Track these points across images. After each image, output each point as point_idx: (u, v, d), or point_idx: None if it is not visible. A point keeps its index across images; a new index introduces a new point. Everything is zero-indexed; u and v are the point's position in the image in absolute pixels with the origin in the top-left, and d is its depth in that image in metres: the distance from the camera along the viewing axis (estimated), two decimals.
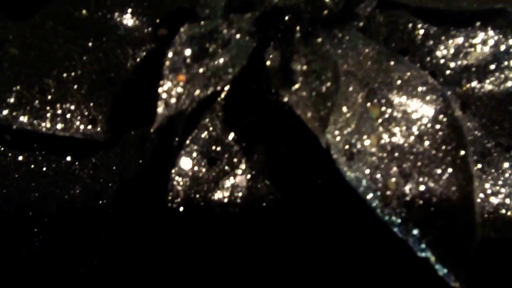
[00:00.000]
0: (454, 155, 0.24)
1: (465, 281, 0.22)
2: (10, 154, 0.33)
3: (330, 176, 0.27)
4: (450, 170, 0.24)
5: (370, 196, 0.23)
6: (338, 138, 0.23)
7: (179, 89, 0.22)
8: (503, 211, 0.30)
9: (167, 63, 0.22)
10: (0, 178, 0.33)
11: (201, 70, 0.23)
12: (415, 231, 0.23)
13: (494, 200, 0.30)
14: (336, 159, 0.23)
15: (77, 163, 0.33)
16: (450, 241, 0.23)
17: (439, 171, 0.24)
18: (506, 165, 0.30)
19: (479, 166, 0.29)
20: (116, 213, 0.33)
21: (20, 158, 0.33)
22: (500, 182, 0.30)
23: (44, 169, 0.33)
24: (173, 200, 0.26)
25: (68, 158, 0.33)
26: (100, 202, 0.34)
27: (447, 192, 0.24)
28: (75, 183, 0.34)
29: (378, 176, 0.24)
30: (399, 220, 0.23)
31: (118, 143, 0.32)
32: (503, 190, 0.30)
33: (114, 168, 0.33)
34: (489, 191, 0.30)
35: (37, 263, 0.35)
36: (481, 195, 0.28)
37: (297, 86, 0.23)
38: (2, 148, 0.33)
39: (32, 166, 0.33)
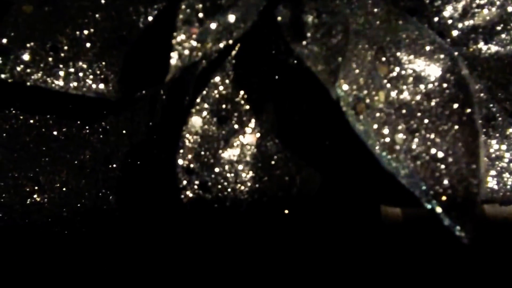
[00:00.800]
0: (460, 112, 0.25)
1: (471, 233, 0.23)
2: (21, 118, 0.33)
3: (339, 134, 0.28)
4: (456, 126, 0.25)
5: (377, 149, 0.23)
6: (347, 92, 0.24)
7: (192, 42, 0.23)
8: (507, 175, 0.30)
9: (180, 15, 0.22)
10: (11, 142, 0.34)
11: (213, 25, 0.24)
12: (422, 184, 0.23)
13: (498, 165, 0.31)
14: (345, 112, 0.23)
15: (87, 127, 0.34)
16: (456, 194, 0.23)
17: (445, 127, 0.25)
18: (510, 130, 0.30)
19: (484, 130, 0.29)
20: (124, 178, 0.34)
21: (31, 121, 0.33)
22: (504, 147, 0.31)
23: (55, 133, 0.34)
24: (184, 157, 0.27)
25: (79, 122, 0.34)
26: (110, 166, 0.34)
27: (454, 148, 0.24)
28: (85, 148, 0.34)
29: (386, 131, 0.24)
30: (406, 172, 0.23)
31: (128, 107, 0.32)
32: (507, 155, 0.31)
33: (124, 132, 0.33)
34: (493, 156, 0.31)
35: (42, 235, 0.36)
36: (485, 159, 0.29)
37: (307, 40, 0.23)
38: (14, 112, 0.33)
39: (43, 129, 0.34)
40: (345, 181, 0.29)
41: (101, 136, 0.34)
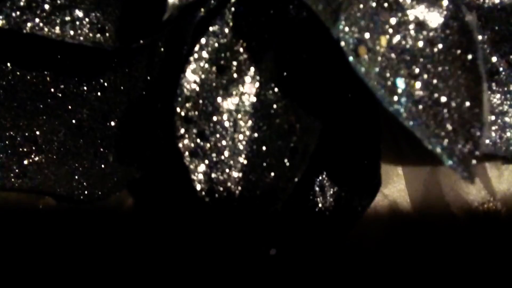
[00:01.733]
0: (463, 58, 0.24)
1: (474, 174, 0.22)
2: (18, 73, 0.33)
3: (338, 83, 0.27)
4: (459, 72, 0.24)
5: (379, 91, 0.23)
6: (348, 34, 0.23)
7: None
8: (510, 130, 0.30)
9: None
10: (7, 99, 0.33)
11: None
12: (424, 127, 0.23)
13: (500, 120, 0.30)
14: (346, 53, 0.23)
15: (84, 84, 0.33)
16: (459, 137, 0.23)
17: (448, 73, 0.24)
18: None
19: (486, 84, 0.29)
20: (123, 135, 0.33)
21: (28, 77, 0.33)
22: (507, 102, 0.30)
23: (52, 90, 0.33)
24: (182, 106, 0.26)
25: (76, 79, 0.33)
26: (108, 124, 0.34)
27: (456, 93, 0.24)
28: (83, 106, 0.34)
29: (388, 75, 0.24)
30: (408, 115, 0.23)
31: (126, 62, 0.32)
32: (511, 110, 0.30)
33: (122, 88, 0.33)
34: (496, 111, 0.30)
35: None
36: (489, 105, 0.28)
37: None
38: (11, 67, 0.33)
39: (40, 86, 0.33)
40: (344, 130, 0.29)
41: (98, 93, 0.33)
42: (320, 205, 0.32)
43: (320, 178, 0.32)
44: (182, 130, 0.26)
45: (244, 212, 0.27)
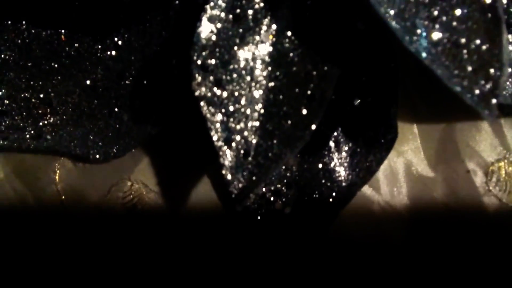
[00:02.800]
0: (482, 1, 0.24)
1: (496, 111, 0.22)
2: (33, 32, 0.33)
3: (355, 28, 0.27)
4: (478, 14, 0.24)
5: (400, 32, 0.23)
6: None
7: None
8: None
9: None
10: (22, 58, 0.33)
11: None
12: (443, 68, 0.23)
13: None
14: None
15: (99, 43, 0.33)
16: (479, 78, 0.23)
17: (467, 15, 0.24)
18: None
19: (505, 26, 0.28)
20: (138, 94, 0.33)
21: (43, 35, 0.33)
22: None
23: (67, 48, 0.33)
24: (198, 55, 0.26)
25: (90, 38, 0.33)
26: (122, 83, 0.34)
27: (475, 34, 0.24)
28: (97, 66, 0.34)
29: (407, 16, 0.23)
30: (427, 56, 0.23)
31: (140, 19, 0.32)
32: None
33: (136, 45, 0.33)
34: None
35: None
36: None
37: None
38: (26, 25, 0.33)
39: (55, 45, 0.33)
40: (360, 80, 0.29)
41: (113, 52, 0.33)
42: (335, 160, 0.32)
43: (335, 134, 0.32)
44: (199, 79, 0.26)
45: (261, 160, 0.27)
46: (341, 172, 0.32)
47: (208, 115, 0.26)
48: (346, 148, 0.32)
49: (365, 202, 0.34)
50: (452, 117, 0.34)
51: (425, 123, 0.34)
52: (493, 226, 0.34)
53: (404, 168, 0.34)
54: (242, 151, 0.27)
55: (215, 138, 0.26)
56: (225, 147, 0.27)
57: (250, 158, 0.27)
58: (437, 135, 0.34)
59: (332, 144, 0.32)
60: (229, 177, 0.26)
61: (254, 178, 0.27)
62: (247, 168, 0.27)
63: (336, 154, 0.32)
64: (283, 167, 0.33)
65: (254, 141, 0.27)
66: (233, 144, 0.27)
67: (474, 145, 0.34)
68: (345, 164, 0.32)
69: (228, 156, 0.26)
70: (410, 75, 0.34)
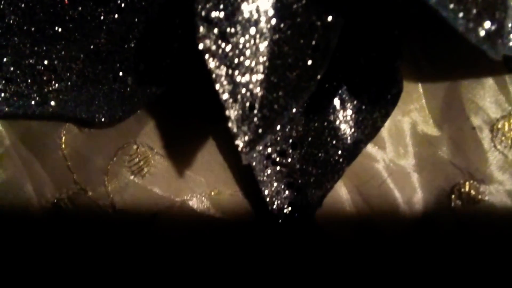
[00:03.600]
0: None
1: (501, 51, 0.22)
2: None
3: None
4: None
5: None
6: None
7: None
8: None
9: None
10: (26, 23, 0.33)
11: None
12: (449, 10, 0.23)
13: None
14: None
15: (102, 6, 0.33)
16: (484, 18, 0.23)
17: None
18: None
19: None
20: (142, 57, 0.33)
21: None
22: None
23: (70, 12, 0.33)
24: (203, 7, 0.26)
25: (93, 1, 0.33)
26: (126, 46, 0.34)
27: None
28: (100, 30, 0.34)
29: None
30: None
31: None
32: None
33: (139, 7, 0.33)
34: None
35: None
36: None
37: None
38: None
39: (58, 8, 0.33)
40: (364, 33, 0.28)
41: (116, 15, 0.33)
42: (340, 118, 0.32)
43: (340, 91, 0.32)
44: (203, 31, 0.26)
45: (266, 113, 0.27)
46: (346, 130, 0.32)
47: (213, 68, 0.26)
48: (351, 105, 0.32)
49: (371, 160, 0.34)
50: (457, 75, 0.34)
51: (430, 82, 0.34)
52: (498, 182, 0.34)
53: (410, 127, 0.35)
54: (247, 104, 0.27)
55: (220, 91, 0.26)
56: (230, 100, 0.27)
57: (255, 111, 0.27)
58: (442, 93, 0.34)
59: (337, 102, 0.32)
60: (235, 130, 0.26)
61: (260, 130, 0.27)
62: (252, 121, 0.27)
63: (341, 112, 0.32)
64: (288, 127, 0.33)
65: (259, 94, 0.27)
66: (239, 97, 0.27)
67: (479, 102, 0.34)
68: (350, 122, 0.32)
69: (233, 109, 0.27)
70: (415, 36, 0.34)
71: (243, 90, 0.27)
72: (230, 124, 0.26)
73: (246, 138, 0.27)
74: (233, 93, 0.27)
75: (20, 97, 0.35)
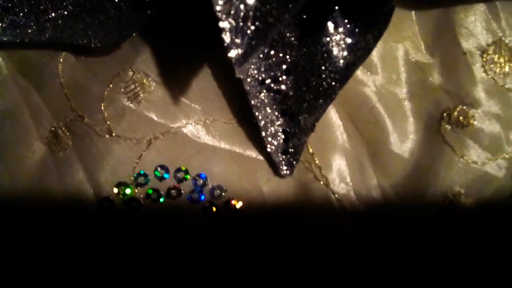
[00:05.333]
0: None
1: None
2: None
3: None
4: None
5: None
6: None
7: None
8: None
9: None
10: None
11: None
12: None
13: None
14: None
15: None
16: None
17: None
18: None
19: None
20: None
21: None
22: None
23: None
24: None
25: None
26: None
27: None
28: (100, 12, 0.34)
29: None
30: None
31: None
32: None
33: None
34: None
35: None
36: None
37: None
38: None
39: None
40: None
41: None
42: (333, 42, 0.33)
43: (333, 14, 0.33)
44: None
45: (260, 25, 0.27)
46: (339, 53, 0.33)
47: None
48: (344, 28, 0.33)
49: (362, 85, 0.35)
50: (449, 1, 0.34)
51: (422, 9, 0.35)
52: (487, 107, 0.34)
53: (402, 54, 0.35)
54: (241, 14, 0.27)
55: (214, 1, 0.27)
56: (224, 11, 0.27)
57: (249, 23, 0.27)
58: (434, 20, 0.35)
59: (330, 25, 0.33)
60: (228, 40, 0.27)
61: (253, 42, 0.27)
62: (246, 33, 0.27)
63: (334, 35, 0.33)
64: (281, 53, 0.34)
65: (253, 5, 0.27)
66: (232, 8, 0.27)
67: (471, 28, 0.34)
68: (343, 44, 0.33)
69: (227, 20, 0.27)
70: None
71: (237, 2, 0.27)
72: (223, 35, 0.27)
73: (239, 50, 0.27)
74: (227, 4, 0.27)
75: (17, 26, 0.35)
